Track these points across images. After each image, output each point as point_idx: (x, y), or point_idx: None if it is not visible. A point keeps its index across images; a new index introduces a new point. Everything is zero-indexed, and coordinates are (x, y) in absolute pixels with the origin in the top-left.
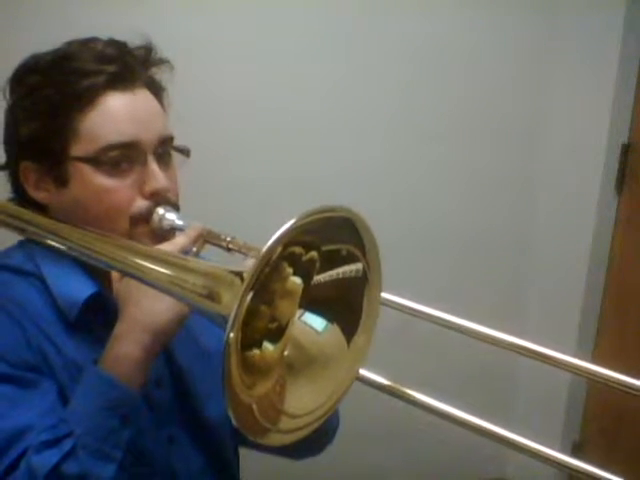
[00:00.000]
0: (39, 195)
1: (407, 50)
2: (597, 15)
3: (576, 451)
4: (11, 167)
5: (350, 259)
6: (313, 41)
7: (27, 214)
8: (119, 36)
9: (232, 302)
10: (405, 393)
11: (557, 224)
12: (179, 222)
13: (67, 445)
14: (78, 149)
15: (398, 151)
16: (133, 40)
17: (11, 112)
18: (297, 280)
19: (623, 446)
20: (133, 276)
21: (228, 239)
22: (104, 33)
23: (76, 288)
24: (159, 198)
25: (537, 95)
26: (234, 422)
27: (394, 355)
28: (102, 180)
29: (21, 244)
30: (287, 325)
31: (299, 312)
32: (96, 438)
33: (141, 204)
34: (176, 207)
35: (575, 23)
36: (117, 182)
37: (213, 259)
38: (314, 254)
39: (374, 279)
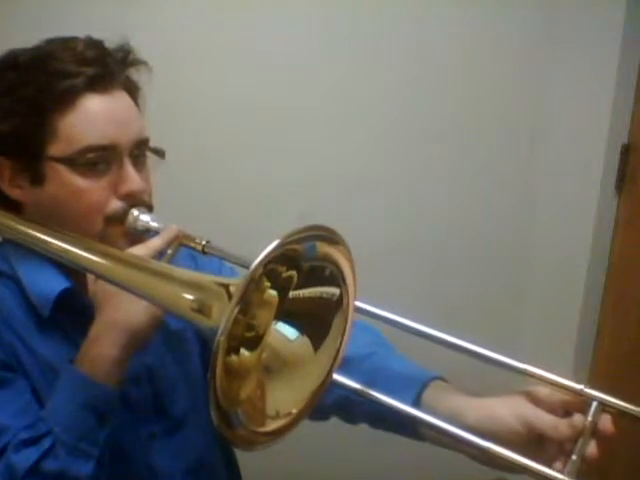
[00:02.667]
0: (13, 192)
1: (406, 50)
2: (597, 15)
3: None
4: None
5: (330, 281)
6: (311, 41)
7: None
8: (117, 35)
9: (220, 317)
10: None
11: (557, 224)
12: (154, 224)
13: (46, 443)
14: (55, 149)
15: (397, 151)
16: (113, 38)
17: None
18: (273, 293)
19: (623, 451)
20: (123, 288)
21: (203, 242)
22: (103, 32)
23: (49, 284)
24: (134, 199)
25: (537, 95)
26: (224, 434)
27: None
28: (78, 180)
29: None
30: (263, 333)
31: (273, 321)
32: (74, 436)
33: (116, 205)
34: (150, 208)
35: (575, 23)
36: (93, 183)
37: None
38: (294, 272)
39: (348, 304)
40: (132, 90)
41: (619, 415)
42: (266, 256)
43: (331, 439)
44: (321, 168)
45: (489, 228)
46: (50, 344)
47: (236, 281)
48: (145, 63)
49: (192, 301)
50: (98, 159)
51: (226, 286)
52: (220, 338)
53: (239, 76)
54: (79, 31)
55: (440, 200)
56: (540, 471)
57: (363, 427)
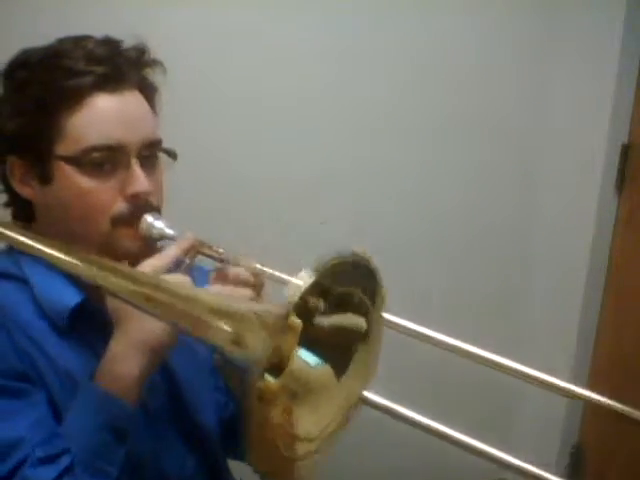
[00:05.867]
0: (24, 190)
1: (407, 49)
2: (597, 15)
3: (575, 455)
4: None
5: (357, 310)
6: (313, 41)
7: (21, 239)
8: (119, 33)
9: (258, 348)
10: (400, 413)
11: (557, 224)
12: (169, 230)
13: (65, 462)
14: (62, 148)
15: (398, 151)
16: (130, 38)
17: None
18: (297, 320)
19: (622, 450)
20: (155, 316)
21: (220, 250)
22: (104, 30)
23: (62, 295)
24: (140, 201)
25: (537, 95)
26: (258, 468)
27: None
28: (84, 180)
29: (9, 247)
30: (288, 358)
31: (296, 347)
32: (93, 455)
33: (121, 206)
34: (158, 211)
35: (575, 22)
36: (99, 183)
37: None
38: (321, 301)
39: (375, 336)
40: (147, 90)
41: (618, 418)
42: (303, 293)
43: None
44: (322, 167)
45: (488, 228)
46: (67, 352)
47: (272, 309)
48: (160, 64)
49: (229, 333)
50: (104, 159)
51: (263, 317)
52: (258, 375)
53: (238, 75)
54: (79, 29)
55: (440, 201)
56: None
57: (362, 427)
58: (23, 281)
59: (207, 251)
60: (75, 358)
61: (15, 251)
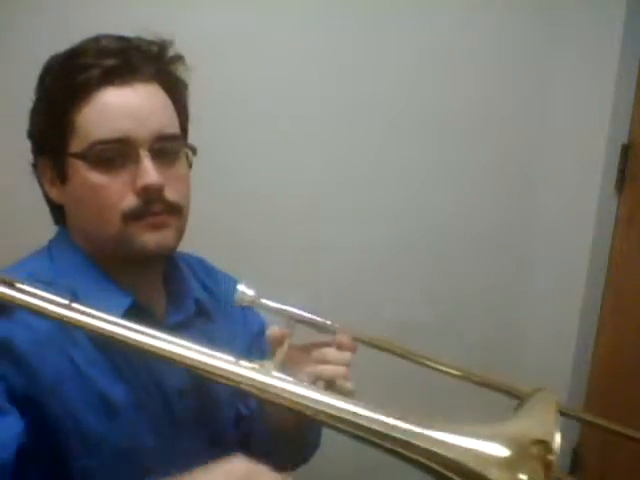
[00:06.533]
0: (52, 192)
1: (406, 49)
2: (597, 15)
3: (576, 457)
4: (35, 164)
5: None
6: (312, 41)
7: None
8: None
9: None
10: None
11: (557, 224)
12: (264, 301)
13: None
14: (74, 145)
15: (397, 151)
16: (170, 36)
17: (31, 111)
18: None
19: (622, 451)
20: None
21: (323, 321)
22: (103, 30)
23: (111, 299)
24: (152, 194)
25: (537, 95)
26: None
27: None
28: (94, 176)
29: (49, 251)
30: None
31: None
32: None
33: (132, 201)
34: (173, 207)
35: (575, 22)
36: (109, 178)
37: None
38: None
39: None
40: (170, 84)
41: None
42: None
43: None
44: (323, 167)
45: (488, 228)
46: (105, 373)
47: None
48: (181, 58)
49: None
50: (112, 153)
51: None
52: None
53: (239, 75)
54: (82, 29)
55: (439, 201)
56: None
57: None
58: (67, 289)
59: (307, 321)
60: (112, 380)
61: (54, 254)
